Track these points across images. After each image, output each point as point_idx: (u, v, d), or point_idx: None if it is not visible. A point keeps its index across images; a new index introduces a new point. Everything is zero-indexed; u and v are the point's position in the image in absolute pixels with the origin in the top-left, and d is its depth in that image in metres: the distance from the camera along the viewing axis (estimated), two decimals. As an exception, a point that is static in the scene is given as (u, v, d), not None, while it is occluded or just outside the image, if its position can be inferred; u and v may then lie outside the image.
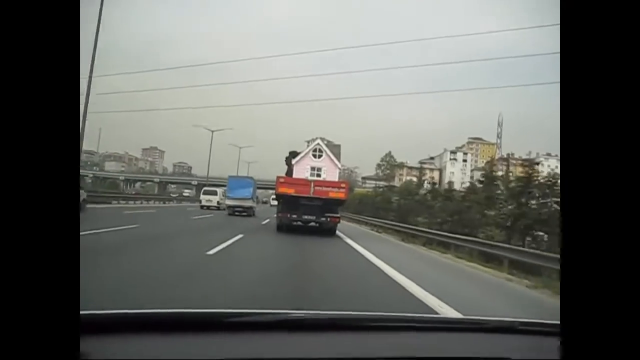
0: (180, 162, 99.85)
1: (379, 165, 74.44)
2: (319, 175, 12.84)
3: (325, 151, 12.95)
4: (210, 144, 38.80)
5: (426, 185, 29.65)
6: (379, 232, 16.94)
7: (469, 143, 78.07)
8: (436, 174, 73.04)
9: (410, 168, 73.32)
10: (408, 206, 21.80)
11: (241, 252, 7.34)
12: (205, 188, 26.78)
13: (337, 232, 12.61)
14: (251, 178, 22.48)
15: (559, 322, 0.83)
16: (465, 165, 74.69)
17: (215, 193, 24.54)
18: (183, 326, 0.96)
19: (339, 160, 13.08)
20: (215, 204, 23.61)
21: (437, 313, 3.69)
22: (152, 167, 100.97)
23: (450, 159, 74.59)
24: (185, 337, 0.91)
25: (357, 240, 11.09)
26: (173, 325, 0.95)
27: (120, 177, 69.13)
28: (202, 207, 23.70)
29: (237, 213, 19.21)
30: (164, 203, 30.10)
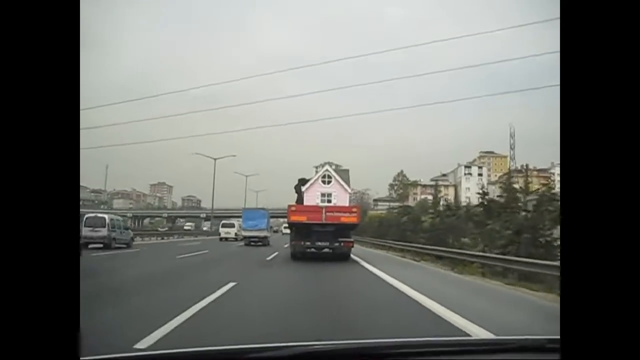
0: (189, 196, 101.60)
1: (391, 186, 74.41)
2: (329, 201, 12.79)
3: (334, 177, 12.79)
4: (214, 173, 37.65)
5: (442, 203, 27.98)
6: (416, 260, 13.71)
7: (480, 157, 77.50)
8: (451, 191, 71.96)
9: (425, 186, 72.21)
10: (447, 225, 18.34)
11: (214, 328, 3.92)
12: (224, 221, 28.94)
13: (365, 264, 11.11)
14: (264, 209, 24.16)
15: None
16: (481, 179, 73.39)
17: (233, 225, 26.95)
18: None
19: (348, 185, 12.95)
20: (233, 236, 25.86)
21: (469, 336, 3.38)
22: (161, 202, 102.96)
23: (465, 174, 74.02)
24: None
25: (395, 276, 8.16)
26: None
27: (128, 214, 70.13)
28: (221, 239, 25.85)
29: (252, 243, 20.68)
30: (162, 239, 28.17)
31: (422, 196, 66.06)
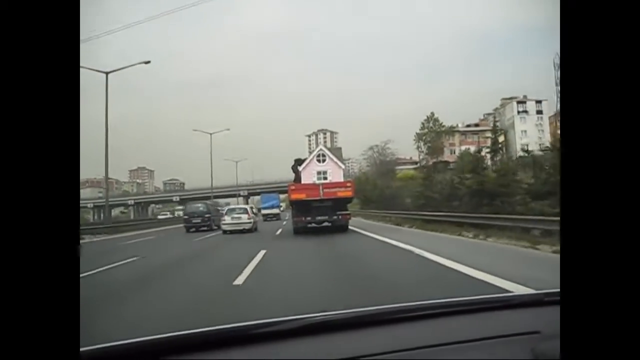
0: (171, 180, 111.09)
1: (418, 136, 67.82)
2: (325, 178, 18.45)
3: (328, 155, 18.71)
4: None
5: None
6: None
7: (502, 105, 73.93)
8: (500, 138, 66.41)
9: (465, 133, 69.08)
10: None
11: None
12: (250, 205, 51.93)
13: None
14: (277, 193, 45.34)
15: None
16: (541, 118, 69.47)
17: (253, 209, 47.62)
18: (197, 346, 1.25)
19: (341, 162, 18.65)
20: (254, 213, 42.88)
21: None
22: (141, 188, 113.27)
23: (519, 113, 70.60)
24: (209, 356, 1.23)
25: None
26: (186, 347, 1.25)
27: (89, 205, 75.50)
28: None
29: (268, 219, 38.51)
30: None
31: (463, 147, 61.64)
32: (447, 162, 57.19)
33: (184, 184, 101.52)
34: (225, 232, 21.23)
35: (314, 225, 17.81)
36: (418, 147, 69.22)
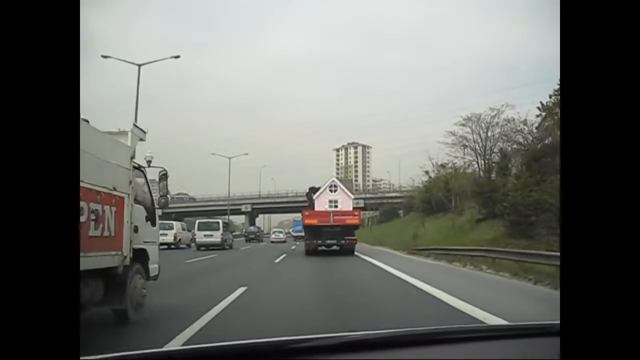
0: (179, 194, 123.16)
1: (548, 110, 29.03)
2: (336, 206, 25.35)
3: (340, 186, 25.73)
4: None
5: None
6: None
7: None
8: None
9: None
10: None
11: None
12: (277, 228, 70.51)
13: None
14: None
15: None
16: None
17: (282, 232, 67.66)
18: None
19: (351, 193, 26.51)
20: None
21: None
22: None
23: None
24: None
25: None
26: None
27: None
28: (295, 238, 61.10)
29: (297, 240, 53.36)
30: None
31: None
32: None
33: (194, 198, 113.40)
34: (272, 242, 51.05)
35: (323, 248, 24.45)
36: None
